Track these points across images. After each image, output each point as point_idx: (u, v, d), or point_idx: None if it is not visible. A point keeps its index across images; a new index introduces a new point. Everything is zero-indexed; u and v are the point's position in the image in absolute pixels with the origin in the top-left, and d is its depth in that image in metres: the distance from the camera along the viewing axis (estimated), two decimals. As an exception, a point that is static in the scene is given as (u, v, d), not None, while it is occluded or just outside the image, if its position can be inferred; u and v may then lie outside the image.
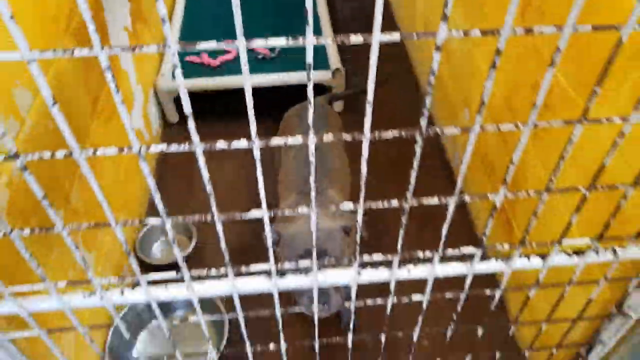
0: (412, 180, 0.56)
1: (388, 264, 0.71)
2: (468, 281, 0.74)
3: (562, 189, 0.60)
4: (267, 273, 0.71)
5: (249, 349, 0.82)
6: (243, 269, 0.68)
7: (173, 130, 2.64)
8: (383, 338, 0.84)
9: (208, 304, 1.60)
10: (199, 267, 1.81)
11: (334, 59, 2.58)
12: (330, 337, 0.84)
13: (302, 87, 2.49)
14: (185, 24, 2.90)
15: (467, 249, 0.69)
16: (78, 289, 1.40)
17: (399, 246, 0.67)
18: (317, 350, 0.85)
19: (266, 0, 3.07)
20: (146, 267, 1.80)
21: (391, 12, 3.38)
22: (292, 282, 0.72)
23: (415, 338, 0.84)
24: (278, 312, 0.77)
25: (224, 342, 1.51)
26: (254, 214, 0.59)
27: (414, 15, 2.88)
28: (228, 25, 2.88)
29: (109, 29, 1.91)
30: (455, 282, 1.33)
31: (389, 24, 3.33)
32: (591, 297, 0.81)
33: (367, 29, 3.17)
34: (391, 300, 0.76)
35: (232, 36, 2.69)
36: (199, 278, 0.75)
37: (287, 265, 0.69)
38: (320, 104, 1.77)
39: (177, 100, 2.63)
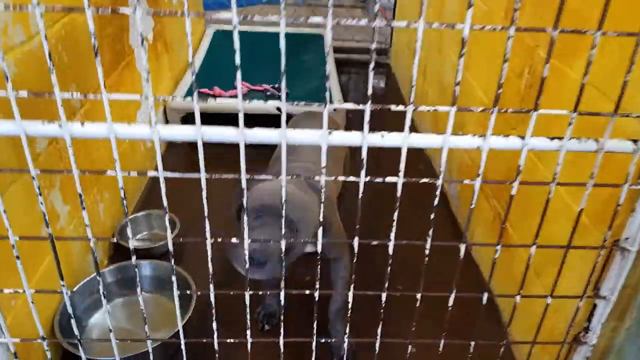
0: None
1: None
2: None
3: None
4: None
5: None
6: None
7: (178, 149, 2.67)
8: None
9: (179, 280, 1.53)
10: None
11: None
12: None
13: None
14: (207, 60, 3.15)
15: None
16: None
17: (368, 105, 0.65)
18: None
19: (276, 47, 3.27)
20: (126, 250, 1.75)
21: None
22: (260, 135, 0.69)
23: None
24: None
25: (187, 316, 1.43)
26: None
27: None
28: (244, 68, 3.01)
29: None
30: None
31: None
32: (581, 207, 0.76)
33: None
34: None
35: (245, 77, 2.86)
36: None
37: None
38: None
39: (185, 121, 2.70)
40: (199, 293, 1.00)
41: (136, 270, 0.82)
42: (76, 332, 0.83)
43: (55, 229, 1.44)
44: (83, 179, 1.61)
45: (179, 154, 2.64)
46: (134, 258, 0.78)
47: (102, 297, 0.83)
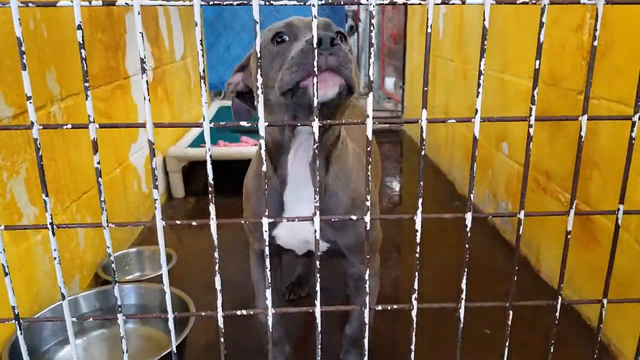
0: None
1: None
2: None
3: None
4: None
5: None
6: None
7: (177, 203, 2.40)
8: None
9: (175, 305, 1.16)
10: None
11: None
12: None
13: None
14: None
15: None
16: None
17: None
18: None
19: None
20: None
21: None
22: None
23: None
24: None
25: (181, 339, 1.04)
26: None
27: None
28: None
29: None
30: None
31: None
32: None
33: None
34: None
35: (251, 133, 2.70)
36: None
37: None
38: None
39: (185, 175, 2.47)
40: (203, 314, 0.67)
41: (116, 289, 0.52)
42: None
43: (14, 232, 1.12)
44: (56, 183, 1.32)
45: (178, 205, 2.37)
46: (116, 287, 0.52)
47: (70, 335, 0.62)
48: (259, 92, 0.52)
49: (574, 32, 1.38)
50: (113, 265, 0.61)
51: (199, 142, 2.60)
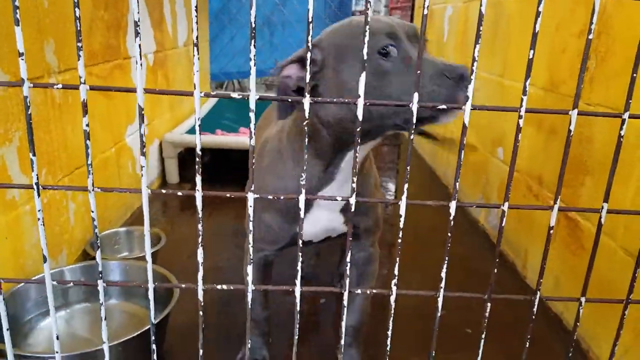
0: None
1: None
2: None
3: None
4: None
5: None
6: None
7: (171, 188, 2.40)
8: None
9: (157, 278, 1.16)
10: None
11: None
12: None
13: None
14: (211, 112, 3.06)
15: None
16: None
17: None
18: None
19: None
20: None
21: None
22: None
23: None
24: None
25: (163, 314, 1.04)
26: None
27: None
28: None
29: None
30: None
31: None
32: None
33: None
34: None
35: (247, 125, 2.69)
36: None
37: None
38: None
39: (181, 162, 2.47)
40: (182, 286, 0.67)
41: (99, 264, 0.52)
42: (5, 324, 0.63)
43: (3, 200, 1.12)
44: (49, 155, 1.32)
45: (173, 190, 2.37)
46: (98, 255, 0.53)
47: (49, 300, 0.62)
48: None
49: (576, 37, 1.39)
50: (96, 231, 0.61)
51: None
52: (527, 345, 0.71)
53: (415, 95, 0.54)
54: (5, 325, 0.66)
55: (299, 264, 0.64)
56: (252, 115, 0.58)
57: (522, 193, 1.68)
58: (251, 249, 0.61)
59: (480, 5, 0.57)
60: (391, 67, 0.74)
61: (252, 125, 0.56)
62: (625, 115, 0.63)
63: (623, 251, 1.16)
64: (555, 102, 1.48)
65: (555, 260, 1.45)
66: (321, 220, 0.97)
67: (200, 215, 0.62)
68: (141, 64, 0.55)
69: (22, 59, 0.54)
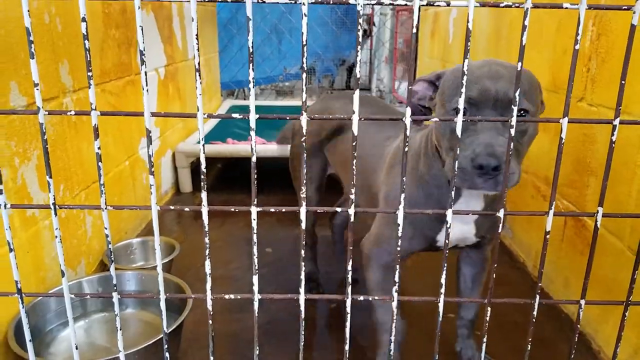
0: None
1: None
2: None
3: None
4: None
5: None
6: None
7: (185, 197, 2.45)
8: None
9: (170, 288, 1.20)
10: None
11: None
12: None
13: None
14: (221, 123, 3.04)
15: None
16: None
17: None
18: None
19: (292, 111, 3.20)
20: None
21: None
22: None
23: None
24: None
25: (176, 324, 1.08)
26: None
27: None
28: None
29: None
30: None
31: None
32: None
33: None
34: None
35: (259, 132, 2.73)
36: None
37: None
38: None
39: (194, 172, 2.52)
40: (193, 296, 0.71)
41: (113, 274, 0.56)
42: (27, 335, 0.68)
43: (24, 217, 1.17)
44: (66, 171, 1.37)
45: (186, 201, 2.42)
46: (112, 269, 0.57)
47: (68, 312, 0.66)
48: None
49: (576, 40, 1.40)
50: (110, 246, 0.65)
51: (208, 139, 2.64)
52: (529, 347, 0.73)
53: (408, 110, 0.57)
54: (27, 336, 0.70)
55: (302, 272, 0.67)
56: (253, 133, 0.61)
57: (530, 194, 1.69)
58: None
59: (467, 22, 0.60)
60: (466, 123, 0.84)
61: (252, 143, 0.59)
62: (616, 122, 0.64)
63: (630, 252, 1.16)
64: (559, 103, 1.49)
65: (563, 260, 1.46)
66: (454, 231, 1.03)
67: (206, 229, 0.66)
68: (147, 90, 0.59)
69: (37, 89, 0.58)
